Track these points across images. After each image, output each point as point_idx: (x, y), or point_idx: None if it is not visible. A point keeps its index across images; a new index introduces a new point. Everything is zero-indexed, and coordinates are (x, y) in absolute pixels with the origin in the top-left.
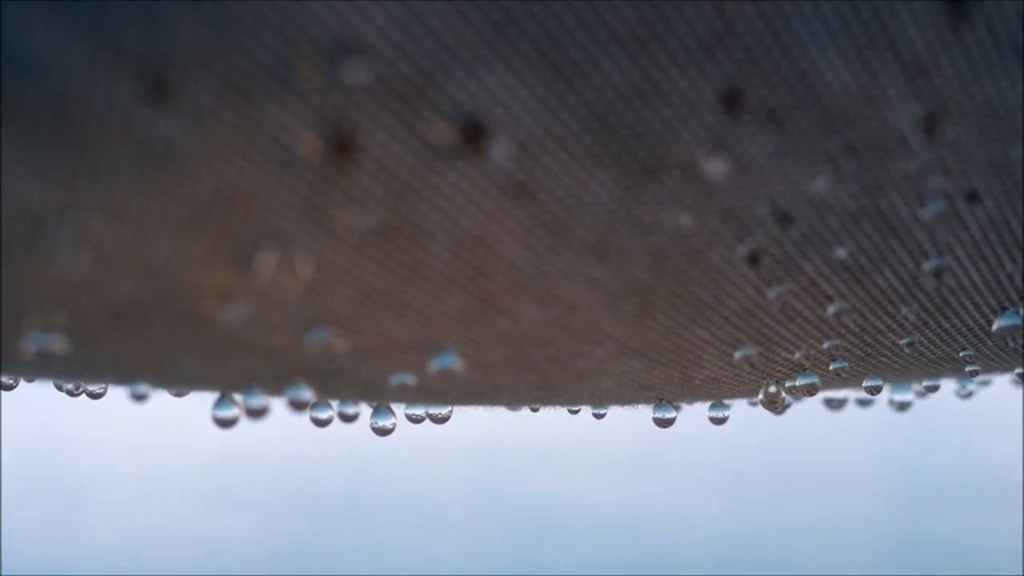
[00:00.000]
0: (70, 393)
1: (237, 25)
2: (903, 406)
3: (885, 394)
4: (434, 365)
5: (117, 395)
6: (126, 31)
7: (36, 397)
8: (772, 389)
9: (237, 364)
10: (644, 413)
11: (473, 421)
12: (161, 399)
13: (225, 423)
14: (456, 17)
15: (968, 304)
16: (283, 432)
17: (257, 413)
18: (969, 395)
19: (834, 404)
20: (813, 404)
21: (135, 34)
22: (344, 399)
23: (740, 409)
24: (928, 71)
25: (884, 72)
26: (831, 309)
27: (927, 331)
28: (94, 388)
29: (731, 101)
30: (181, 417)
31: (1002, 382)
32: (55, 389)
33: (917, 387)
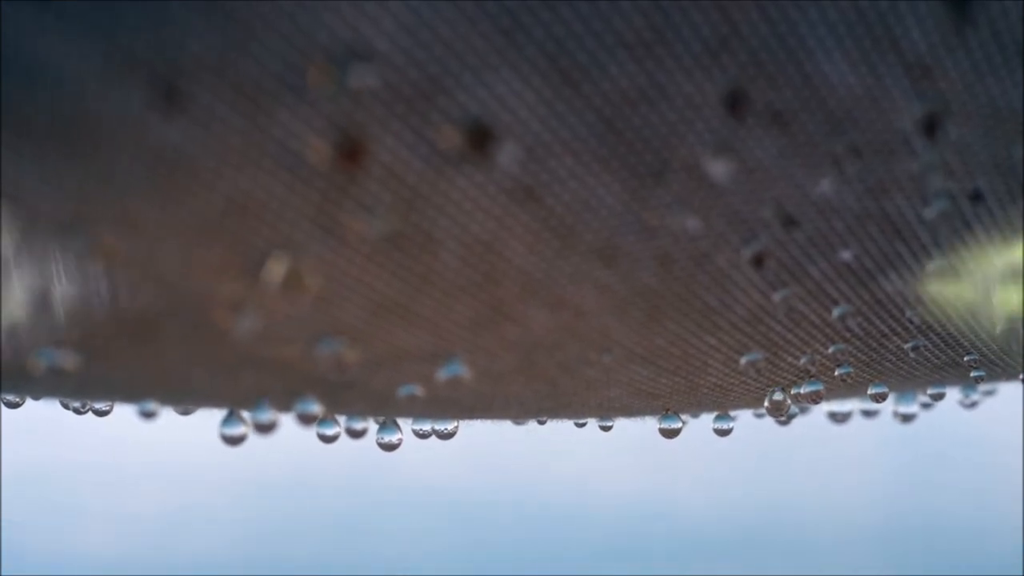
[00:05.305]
0: (77, 411)
1: (247, 32)
2: (907, 418)
3: (889, 405)
4: (443, 373)
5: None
6: (136, 40)
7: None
8: (778, 396)
9: (247, 377)
10: (650, 421)
11: (474, 425)
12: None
13: (233, 440)
14: (464, 23)
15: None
16: (284, 432)
17: (266, 428)
18: (973, 405)
19: (839, 417)
20: (817, 414)
21: (145, 43)
22: (353, 413)
23: (744, 412)
24: (932, 72)
25: (888, 74)
26: (836, 312)
27: (932, 335)
28: (100, 406)
29: (736, 104)
30: (184, 418)
31: (1005, 386)
32: (62, 408)
33: (922, 398)
